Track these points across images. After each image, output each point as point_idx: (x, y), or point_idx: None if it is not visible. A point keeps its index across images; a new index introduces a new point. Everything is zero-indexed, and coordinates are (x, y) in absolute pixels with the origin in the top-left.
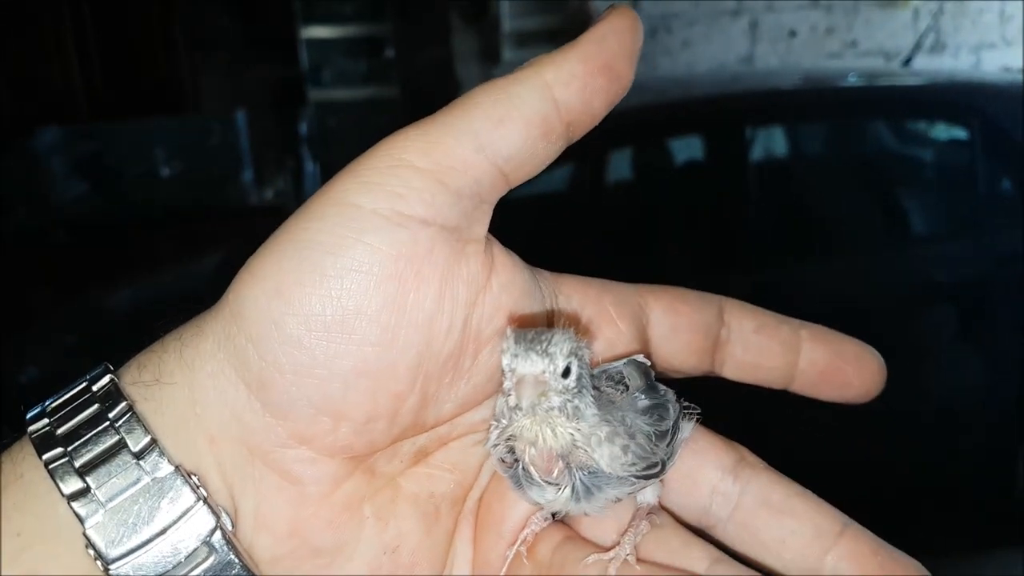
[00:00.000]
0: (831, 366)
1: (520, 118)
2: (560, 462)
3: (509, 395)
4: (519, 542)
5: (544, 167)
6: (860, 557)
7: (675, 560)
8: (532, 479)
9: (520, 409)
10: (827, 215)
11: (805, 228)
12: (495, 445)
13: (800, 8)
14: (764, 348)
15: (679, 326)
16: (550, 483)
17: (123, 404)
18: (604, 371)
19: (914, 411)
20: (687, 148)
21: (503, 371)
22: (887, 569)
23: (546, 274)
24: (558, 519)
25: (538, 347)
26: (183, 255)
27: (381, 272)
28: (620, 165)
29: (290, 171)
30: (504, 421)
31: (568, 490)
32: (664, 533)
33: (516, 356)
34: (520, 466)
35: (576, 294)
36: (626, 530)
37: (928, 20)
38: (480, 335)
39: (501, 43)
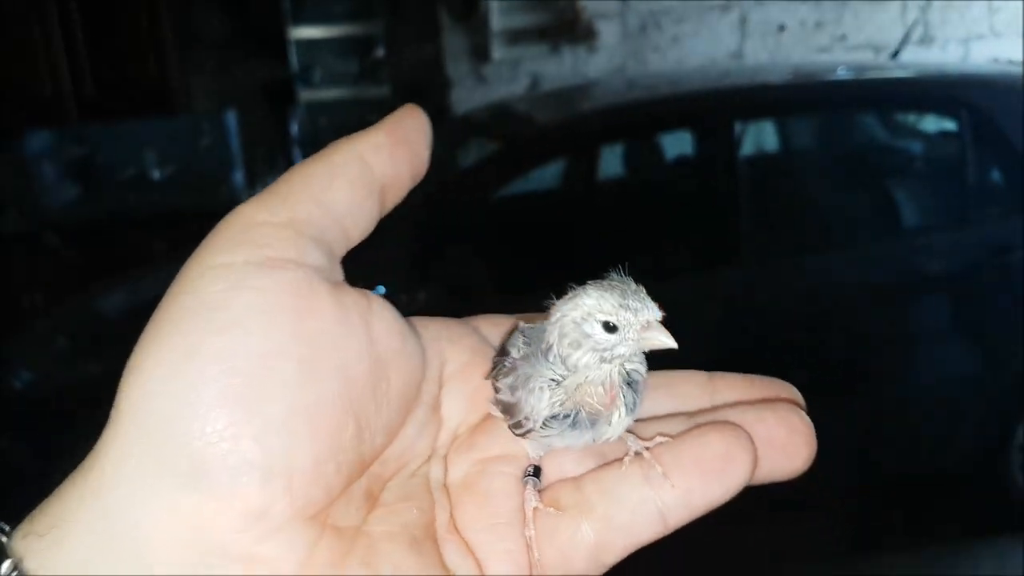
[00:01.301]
0: None
1: (345, 180)
2: (619, 390)
3: (598, 349)
4: (530, 517)
5: (373, 226)
6: (733, 385)
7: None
8: (597, 419)
9: (635, 349)
10: (818, 209)
11: (796, 222)
12: (561, 403)
13: (789, 3)
14: None
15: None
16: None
17: (8, 563)
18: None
19: (906, 401)
20: (678, 143)
21: (582, 321)
22: (756, 386)
23: None
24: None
25: (645, 296)
26: (175, 257)
27: (277, 309)
28: (611, 161)
29: (281, 171)
30: (541, 382)
31: (623, 409)
32: (641, 426)
33: (642, 302)
34: (579, 414)
35: (423, 327)
36: (628, 437)
37: (916, 13)
38: (383, 357)
39: (491, 41)
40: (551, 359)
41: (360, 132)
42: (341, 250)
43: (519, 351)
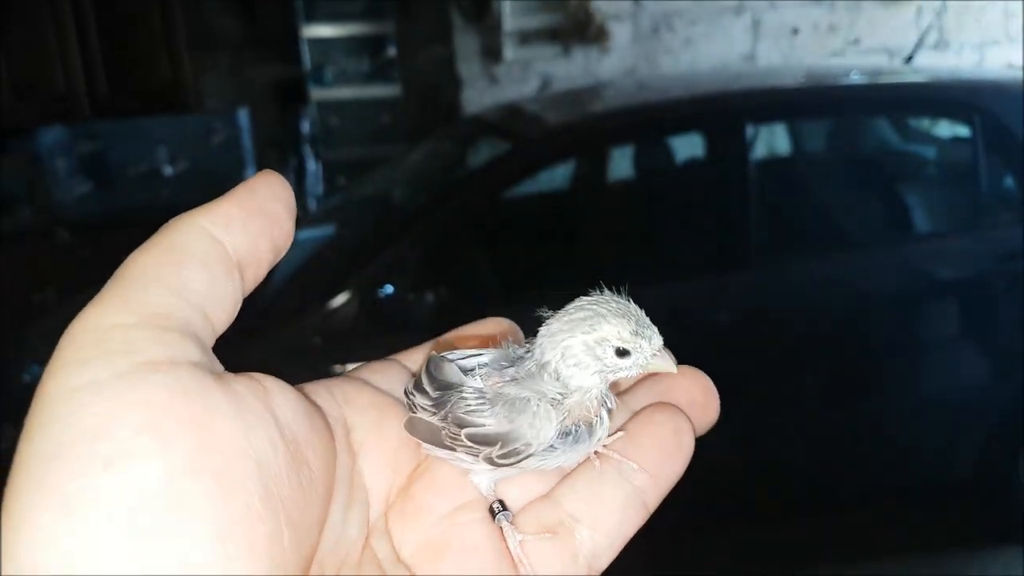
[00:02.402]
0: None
1: (195, 262)
2: (604, 398)
3: (605, 371)
4: (519, 552)
5: (237, 308)
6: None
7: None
8: (593, 428)
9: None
10: (829, 213)
11: (807, 226)
12: (562, 420)
13: (803, 6)
14: None
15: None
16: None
17: None
18: (503, 354)
19: (916, 406)
20: (689, 146)
21: (595, 345)
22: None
23: None
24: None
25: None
26: None
27: (169, 421)
28: (621, 163)
29: (292, 170)
30: (544, 403)
31: (605, 412)
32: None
33: (651, 328)
34: (579, 427)
35: (313, 393)
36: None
37: (931, 17)
38: (296, 440)
39: (503, 41)
40: (546, 377)
41: (206, 204)
42: (209, 340)
43: (482, 377)
